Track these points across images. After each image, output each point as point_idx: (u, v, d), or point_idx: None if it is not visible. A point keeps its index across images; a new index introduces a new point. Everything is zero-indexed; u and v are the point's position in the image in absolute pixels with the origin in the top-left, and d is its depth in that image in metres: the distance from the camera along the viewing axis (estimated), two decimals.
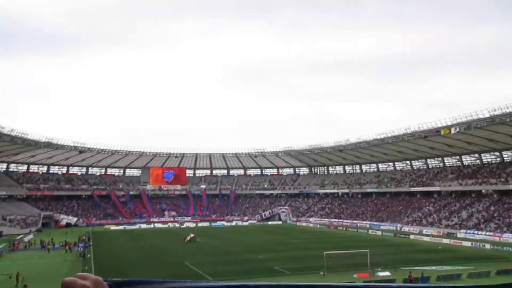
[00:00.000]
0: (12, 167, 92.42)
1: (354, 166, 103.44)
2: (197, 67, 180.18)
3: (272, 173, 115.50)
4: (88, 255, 42.56)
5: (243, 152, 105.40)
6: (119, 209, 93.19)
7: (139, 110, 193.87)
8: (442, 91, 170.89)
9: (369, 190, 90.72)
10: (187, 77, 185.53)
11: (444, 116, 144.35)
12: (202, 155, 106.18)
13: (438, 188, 76.48)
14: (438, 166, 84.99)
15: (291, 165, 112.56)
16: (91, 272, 26.62)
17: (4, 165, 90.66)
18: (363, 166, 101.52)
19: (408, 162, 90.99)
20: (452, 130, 61.87)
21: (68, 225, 78.74)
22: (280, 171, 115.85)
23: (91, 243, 51.87)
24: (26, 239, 58.25)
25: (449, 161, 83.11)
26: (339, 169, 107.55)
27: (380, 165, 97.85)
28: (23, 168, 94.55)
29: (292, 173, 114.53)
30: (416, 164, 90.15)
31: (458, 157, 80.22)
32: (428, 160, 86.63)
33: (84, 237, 54.74)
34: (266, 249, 46.14)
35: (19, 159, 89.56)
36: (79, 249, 47.33)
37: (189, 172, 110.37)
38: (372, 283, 1.24)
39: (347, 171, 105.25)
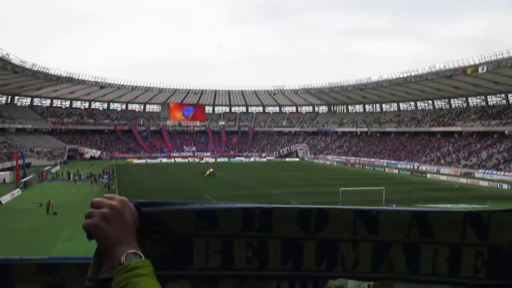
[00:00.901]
0: (36, 101, 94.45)
1: (374, 105, 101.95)
2: (217, 3, 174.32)
3: (290, 111, 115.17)
4: (113, 186, 44.44)
5: (262, 90, 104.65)
6: (140, 144, 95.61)
7: (159, 44, 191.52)
8: (472, 28, 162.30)
9: (388, 129, 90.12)
10: (209, 12, 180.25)
11: (472, 55, 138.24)
12: (221, 92, 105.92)
13: (459, 129, 75.32)
14: (461, 106, 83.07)
15: (310, 103, 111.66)
16: None
17: (28, 99, 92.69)
18: (384, 105, 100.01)
19: (430, 101, 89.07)
20: (480, 69, 59.60)
21: (92, 158, 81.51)
22: (299, 109, 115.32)
23: (115, 175, 53.95)
24: (53, 170, 61.00)
25: (474, 101, 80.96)
26: (358, 108, 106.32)
27: (401, 104, 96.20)
28: (47, 102, 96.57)
29: (311, 111, 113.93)
30: (439, 104, 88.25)
31: (483, 97, 77.97)
32: (452, 100, 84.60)
33: (108, 170, 56.94)
34: (283, 185, 47.27)
35: (42, 93, 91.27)
36: (104, 180, 49.42)
37: (208, 109, 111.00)
38: (380, 207, 1.31)
39: (367, 110, 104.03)
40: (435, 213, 1.26)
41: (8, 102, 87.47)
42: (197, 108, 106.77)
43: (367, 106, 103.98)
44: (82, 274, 1.56)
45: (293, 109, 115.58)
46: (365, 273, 1.32)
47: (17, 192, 41.55)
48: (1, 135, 74.58)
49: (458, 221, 1.25)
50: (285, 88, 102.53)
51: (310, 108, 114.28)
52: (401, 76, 75.97)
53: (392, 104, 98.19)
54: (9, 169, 54.55)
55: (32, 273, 1.61)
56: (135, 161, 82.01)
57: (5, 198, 37.38)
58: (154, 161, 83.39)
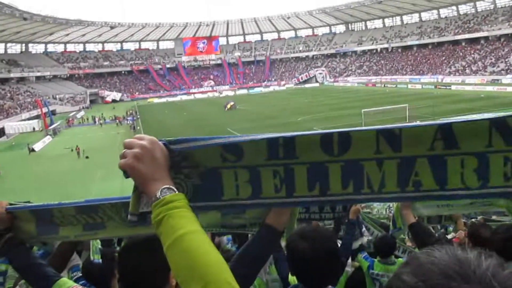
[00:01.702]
0: (50, 48, 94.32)
1: (394, 18, 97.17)
2: None
3: (307, 34, 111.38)
4: (138, 127, 45.37)
5: (276, 15, 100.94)
6: (158, 83, 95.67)
7: None
8: None
9: (409, 43, 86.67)
10: None
11: None
12: (234, 21, 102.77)
13: (486, 33, 71.50)
14: (488, 9, 78.11)
15: (326, 23, 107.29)
16: None
17: (42, 46, 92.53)
18: (404, 17, 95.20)
19: (454, 7, 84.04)
20: None
21: (113, 100, 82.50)
22: (315, 31, 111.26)
23: (138, 116, 54.86)
24: (78, 116, 62.42)
25: (502, 1, 75.72)
26: (378, 23, 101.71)
27: (423, 14, 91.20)
28: (61, 48, 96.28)
29: (328, 32, 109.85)
30: (464, 8, 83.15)
31: None
32: (477, 3, 79.40)
33: (131, 111, 57.83)
34: (304, 112, 47.14)
35: (55, 39, 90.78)
36: (128, 122, 50.40)
37: (222, 41, 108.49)
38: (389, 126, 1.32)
39: (386, 24, 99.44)
40: (459, 123, 1.22)
41: (23, 50, 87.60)
42: (210, 40, 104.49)
43: (386, 20, 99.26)
44: (118, 213, 1.71)
45: (309, 32, 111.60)
46: (393, 193, 1.31)
47: (47, 139, 43.03)
48: (23, 84, 75.84)
49: (483, 129, 1.21)
50: (299, 10, 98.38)
51: (327, 29, 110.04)
52: None
53: (413, 15, 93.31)
54: (36, 117, 56.08)
55: (72, 215, 1.75)
56: (156, 100, 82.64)
57: (38, 146, 38.87)
58: (174, 99, 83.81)
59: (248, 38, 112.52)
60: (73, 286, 1.79)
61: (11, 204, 1.81)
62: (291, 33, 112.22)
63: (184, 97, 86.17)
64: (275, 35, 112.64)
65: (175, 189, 1.13)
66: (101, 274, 2.66)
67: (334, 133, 1.28)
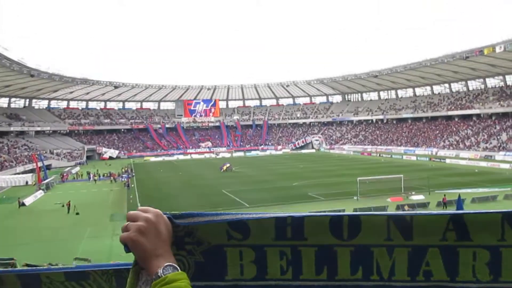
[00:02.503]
0: (53, 104, 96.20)
1: (389, 91, 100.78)
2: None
3: (304, 102, 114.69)
4: (132, 185, 45.09)
5: (275, 82, 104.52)
6: (156, 142, 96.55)
7: (171, 45, 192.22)
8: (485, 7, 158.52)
9: (404, 116, 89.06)
10: (218, 10, 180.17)
11: (488, 35, 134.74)
12: (234, 86, 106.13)
13: (477, 111, 73.91)
14: (479, 88, 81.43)
15: (323, 93, 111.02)
16: (135, 201, 28.19)
17: (46, 102, 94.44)
18: (399, 91, 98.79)
19: (447, 85, 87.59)
20: (497, 49, 58.31)
21: (110, 157, 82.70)
22: (313, 99, 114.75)
23: (133, 174, 54.72)
24: (73, 171, 62.14)
25: (492, 82, 79.26)
26: (373, 96, 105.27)
27: (417, 89, 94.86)
28: (64, 104, 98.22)
29: (325, 101, 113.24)
30: (456, 86, 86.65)
31: (501, 77, 76.33)
32: (469, 82, 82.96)
33: (126, 168, 57.75)
34: (300, 177, 47.25)
35: (59, 95, 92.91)
36: (123, 179, 50.14)
37: (222, 104, 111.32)
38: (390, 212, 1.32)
39: (381, 97, 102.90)
40: (470, 214, 1.20)
41: (26, 105, 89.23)
42: (211, 104, 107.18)
43: (382, 93, 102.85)
44: (109, 281, 1.65)
45: (307, 100, 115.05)
46: (403, 281, 1.26)
47: (39, 193, 42.50)
48: (21, 138, 76.28)
49: (495, 222, 1.19)
50: (298, 80, 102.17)
51: (324, 98, 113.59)
52: (416, 61, 74.89)
53: (407, 89, 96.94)
54: (31, 171, 55.81)
55: (60, 282, 1.69)
56: (152, 159, 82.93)
57: (29, 200, 38.28)
58: (170, 158, 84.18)
59: (247, 103, 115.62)
60: None
61: None
62: (289, 100, 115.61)
63: (181, 157, 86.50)
64: (273, 101, 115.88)
65: (178, 268, 1.09)
66: None
67: (344, 216, 1.26)
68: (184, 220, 1.25)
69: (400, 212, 1.28)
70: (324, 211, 1.31)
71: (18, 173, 55.63)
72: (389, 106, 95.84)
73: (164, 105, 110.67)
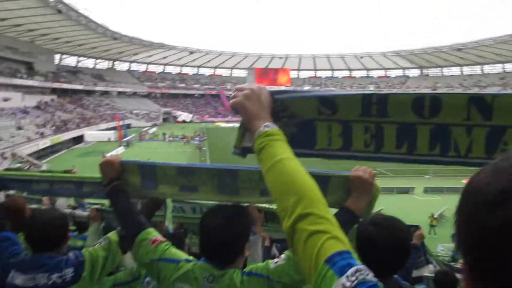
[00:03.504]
0: (134, 66, 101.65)
1: (473, 67, 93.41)
2: None
3: (378, 75, 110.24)
4: (204, 148, 47.10)
5: (349, 53, 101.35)
6: (227, 108, 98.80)
7: (245, 13, 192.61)
8: None
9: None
10: None
11: None
12: (306, 56, 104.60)
13: None
14: None
15: (400, 66, 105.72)
16: (206, 162, 29.66)
17: (127, 64, 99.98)
18: (485, 67, 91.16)
19: None
20: None
21: (184, 121, 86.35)
22: (388, 73, 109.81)
23: (205, 137, 56.95)
24: (150, 131, 66.07)
25: None
26: (455, 71, 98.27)
27: (507, 65, 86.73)
28: (143, 67, 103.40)
29: (401, 75, 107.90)
30: None
31: None
32: None
33: (199, 132, 60.26)
34: None
35: (139, 59, 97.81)
36: (195, 142, 52.51)
37: (293, 74, 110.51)
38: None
39: (464, 72, 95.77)
40: None
41: (110, 67, 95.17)
42: (282, 73, 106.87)
43: (465, 68, 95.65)
44: (212, 179, 1.94)
45: (381, 73, 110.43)
46: (479, 158, 1.35)
47: (121, 150, 45.95)
48: (105, 98, 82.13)
49: None
50: (373, 51, 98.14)
51: (400, 72, 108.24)
52: (509, 33, 68.50)
53: (495, 65, 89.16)
54: (113, 128, 60.19)
55: (171, 176, 2.01)
56: (223, 124, 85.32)
57: (111, 155, 41.60)
58: None
59: (319, 73, 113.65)
60: (157, 236, 1.93)
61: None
62: (363, 73, 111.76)
63: None
64: (346, 73, 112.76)
65: (277, 127, 1.26)
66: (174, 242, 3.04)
67: (426, 96, 1.34)
68: (281, 95, 1.42)
69: (482, 92, 1.38)
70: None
71: (102, 130, 60.33)
72: (473, 82, 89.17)
73: (236, 73, 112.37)
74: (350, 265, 0.89)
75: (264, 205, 2.60)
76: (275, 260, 1.71)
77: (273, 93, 1.40)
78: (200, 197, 2.05)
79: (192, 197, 2.08)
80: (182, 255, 1.90)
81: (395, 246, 1.67)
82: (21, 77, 60.03)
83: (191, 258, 1.89)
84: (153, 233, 1.95)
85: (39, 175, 2.68)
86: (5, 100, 52.26)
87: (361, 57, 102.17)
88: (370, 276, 0.88)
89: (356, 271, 0.87)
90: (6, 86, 55.48)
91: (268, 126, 1.25)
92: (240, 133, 1.42)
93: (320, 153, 1.47)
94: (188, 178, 1.95)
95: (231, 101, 1.35)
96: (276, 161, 1.15)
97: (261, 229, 2.57)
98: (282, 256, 1.70)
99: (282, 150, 1.18)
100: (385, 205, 15.87)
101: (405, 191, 29.41)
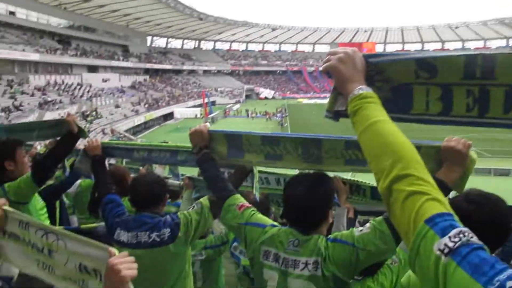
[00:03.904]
0: (218, 45, 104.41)
1: None
2: None
3: (476, 47, 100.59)
4: (285, 124, 47.35)
5: (442, 24, 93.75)
6: (309, 84, 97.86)
7: None
8: None
9: None
10: None
11: None
12: (393, 28, 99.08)
13: None
14: None
15: (503, 36, 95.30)
16: None
17: (212, 44, 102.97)
18: None
19: None
20: None
21: (266, 97, 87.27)
22: (487, 43, 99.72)
23: (287, 114, 57.13)
24: (234, 108, 67.88)
25: None
26: None
27: None
28: (226, 46, 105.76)
29: (504, 45, 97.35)
30: None
31: None
32: None
33: (281, 108, 60.58)
34: (465, 130, 43.01)
35: (223, 37, 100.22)
36: (277, 118, 52.94)
37: (379, 48, 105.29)
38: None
39: None
40: None
41: (196, 46, 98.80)
42: (366, 47, 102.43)
43: None
44: (296, 148, 1.96)
45: (480, 43, 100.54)
46: None
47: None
48: (192, 76, 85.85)
49: None
50: (470, 20, 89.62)
51: (503, 42, 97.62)
52: None
53: None
54: (199, 106, 62.86)
55: (257, 145, 2.05)
56: (305, 101, 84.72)
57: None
58: (323, 101, 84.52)
59: (407, 46, 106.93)
60: (243, 202, 2.03)
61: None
62: (457, 44, 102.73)
63: None
64: (438, 45, 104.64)
65: (371, 90, 1.24)
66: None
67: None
68: (376, 58, 1.37)
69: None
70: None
71: (189, 107, 63.33)
72: None
73: (319, 48, 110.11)
74: (453, 226, 0.87)
75: (349, 176, 2.59)
76: (360, 228, 1.74)
77: (367, 57, 1.35)
78: (285, 165, 2.08)
79: (277, 165, 2.12)
80: (268, 220, 2.00)
81: (493, 225, 1.49)
82: (118, 59, 64.90)
83: (276, 223, 1.98)
84: (240, 199, 2.06)
85: (139, 144, 2.94)
86: (105, 81, 57.05)
87: (456, 27, 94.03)
88: (475, 239, 0.85)
89: (459, 233, 0.85)
90: (105, 68, 60.61)
91: (362, 89, 1.23)
92: (333, 96, 1.41)
93: (416, 118, 1.41)
94: (273, 147, 2.00)
95: (324, 64, 1.34)
96: (372, 123, 1.14)
97: (346, 201, 2.58)
98: (367, 225, 1.72)
99: (378, 113, 1.17)
100: (481, 188, 14.75)
101: (504, 173, 26.97)
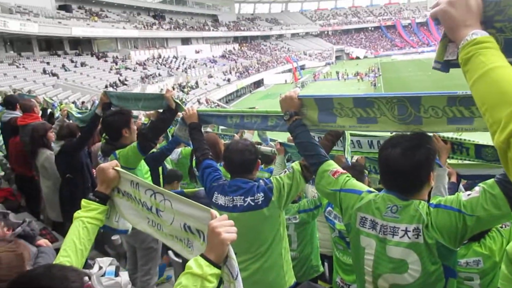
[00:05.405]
0: (305, 6, 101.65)
1: None
2: None
3: None
4: (379, 84, 45.18)
5: None
6: (404, 39, 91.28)
7: None
8: None
9: None
10: None
11: None
12: None
13: None
14: None
15: None
16: None
17: (299, 5, 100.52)
18: None
19: None
20: None
21: (357, 57, 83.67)
22: None
23: (380, 73, 54.37)
24: (324, 71, 66.38)
25: None
26: None
27: None
28: (314, 6, 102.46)
29: None
30: None
31: None
32: None
33: (373, 68, 57.79)
34: None
35: None
36: (370, 78, 50.70)
37: None
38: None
39: None
40: None
41: (283, 10, 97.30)
42: None
43: None
44: (392, 109, 1.83)
45: None
46: None
47: (297, 91, 47.70)
48: (280, 41, 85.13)
49: None
50: None
51: None
52: None
53: None
54: (289, 70, 62.55)
55: (349, 108, 1.97)
56: (400, 58, 79.54)
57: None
58: (420, 56, 78.68)
59: None
60: (337, 168, 2.01)
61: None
62: None
63: (432, 55, 79.41)
64: None
65: (487, 34, 1.11)
66: None
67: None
68: None
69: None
70: None
71: (279, 73, 63.35)
72: None
73: None
74: None
75: (449, 134, 2.39)
76: (468, 192, 1.59)
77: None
78: (380, 128, 1.96)
79: (370, 129, 1.99)
80: (363, 186, 1.94)
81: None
82: (208, 30, 66.72)
83: (372, 189, 1.91)
84: (334, 165, 2.03)
85: (231, 110, 3.02)
86: (197, 52, 59.26)
87: None
88: None
89: None
90: (197, 39, 62.75)
91: (476, 33, 1.10)
92: (443, 44, 1.29)
93: None
94: (366, 109, 1.91)
95: (432, 10, 1.21)
96: (488, 69, 1.02)
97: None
98: (476, 188, 1.57)
99: (495, 58, 1.04)
100: None
101: None
